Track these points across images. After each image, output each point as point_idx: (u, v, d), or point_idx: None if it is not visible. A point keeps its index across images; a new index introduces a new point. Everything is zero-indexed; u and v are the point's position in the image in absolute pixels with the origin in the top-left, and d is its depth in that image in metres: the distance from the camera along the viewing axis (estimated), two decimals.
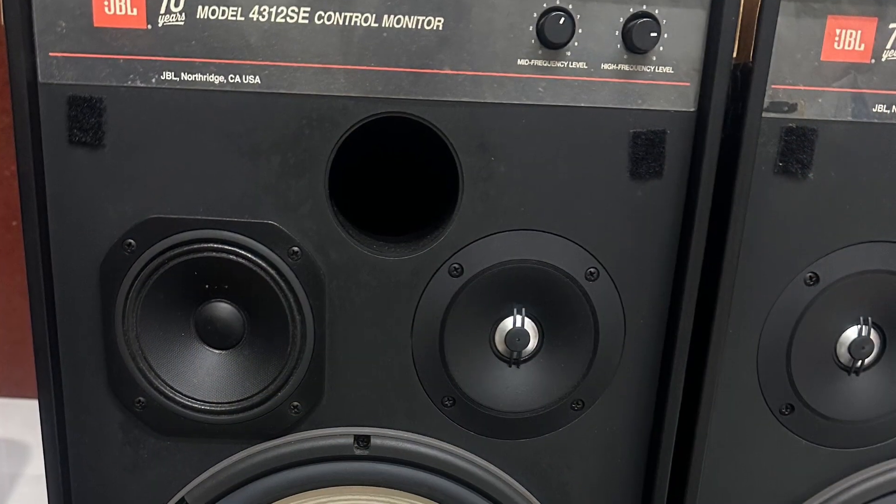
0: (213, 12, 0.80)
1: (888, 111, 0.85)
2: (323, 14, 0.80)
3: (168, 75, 0.81)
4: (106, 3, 0.80)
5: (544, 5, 0.81)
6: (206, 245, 0.86)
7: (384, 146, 0.92)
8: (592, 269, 0.88)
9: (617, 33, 0.82)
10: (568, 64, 0.82)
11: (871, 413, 0.94)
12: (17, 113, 0.80)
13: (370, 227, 0.92)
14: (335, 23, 0.80)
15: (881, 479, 0.96)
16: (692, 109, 0.84)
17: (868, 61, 0.83)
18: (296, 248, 0.86)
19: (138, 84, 0.81)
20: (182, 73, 0.81)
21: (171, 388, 0.90)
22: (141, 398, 0.90)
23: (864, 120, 0.85)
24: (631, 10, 0.82)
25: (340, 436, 0.93)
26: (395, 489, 0.95)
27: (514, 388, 0.92)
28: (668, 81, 0.83)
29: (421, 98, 0.82)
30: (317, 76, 0.82)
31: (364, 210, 0.93)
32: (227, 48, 0.81)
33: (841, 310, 0.91)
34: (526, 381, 0.92)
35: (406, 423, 0.94)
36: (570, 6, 0.81)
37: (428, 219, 0.92)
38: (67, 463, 0.95)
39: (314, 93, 0.82)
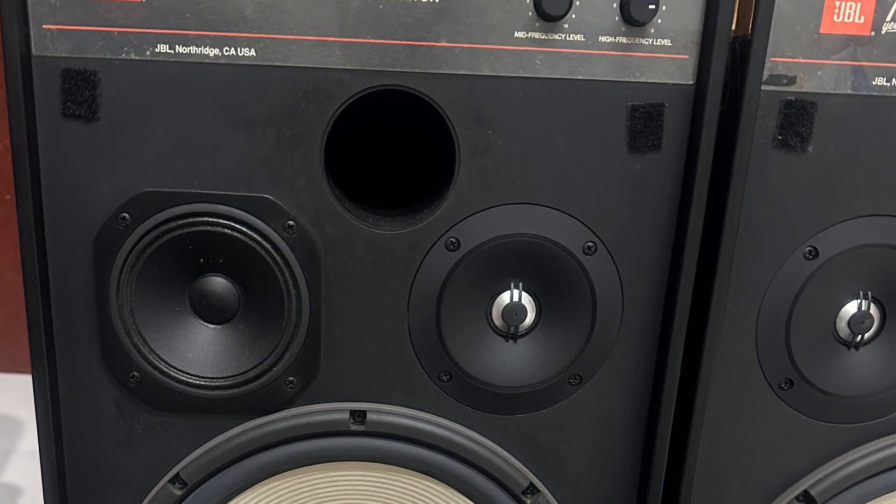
0: None
1: (888, 84, 0.87)
2: None
3: (162, 48, 0.84)
4: None
5: None
6: (200, 219, 0.88)
7: (380, 119, 0.95)
8: (590, 243, 0.91)
9: (615, 5, 0.84)
10: (565, 36, 0.85)
11: (871, 388, 0.97)
12: (10, 86, 0.83)
13: (366, 201, 0.94)
14: None
15: (881, 455, 0.99)
16: (691, 82, 0.87)
17: (868, 34, 0.86)
18: (291, 222, 0.89)
19: (132, 57, 0.84)
20: (177, 46, 0.84)
21: (166, 363, 0.93)
22: (135, 373, 0.93)
23: (864, 93, 0.87)
24: None
25: (336, 411, 0.96)
26: (391, 465, 0.98)
27: (511, 362, 0.95)
28: (667, 54, 0.86)
29: (417, 71, 0.85)
30: (312, 49, 0.84)
31: (360, 184, 0.95)
32: (221, 20, 0.83)
33: (840, 284, 0.94)
34: (523, 355, 0.95)
35: (402, 399, 0.97)
36: None
37: (424, 193, 0.95)
38: (61, 438, 0.97)
39: (310, 65, 0.84)
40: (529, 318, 0.93)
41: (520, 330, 0.94)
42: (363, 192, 0.95)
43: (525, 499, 0.98)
